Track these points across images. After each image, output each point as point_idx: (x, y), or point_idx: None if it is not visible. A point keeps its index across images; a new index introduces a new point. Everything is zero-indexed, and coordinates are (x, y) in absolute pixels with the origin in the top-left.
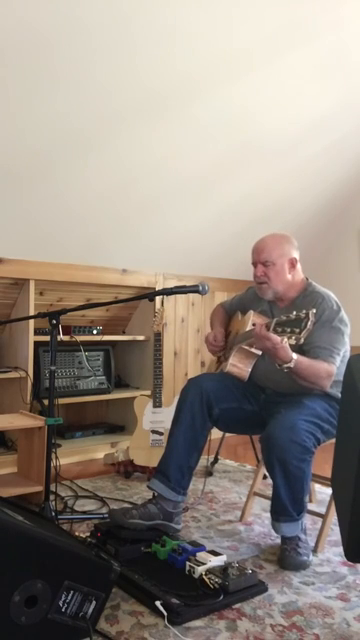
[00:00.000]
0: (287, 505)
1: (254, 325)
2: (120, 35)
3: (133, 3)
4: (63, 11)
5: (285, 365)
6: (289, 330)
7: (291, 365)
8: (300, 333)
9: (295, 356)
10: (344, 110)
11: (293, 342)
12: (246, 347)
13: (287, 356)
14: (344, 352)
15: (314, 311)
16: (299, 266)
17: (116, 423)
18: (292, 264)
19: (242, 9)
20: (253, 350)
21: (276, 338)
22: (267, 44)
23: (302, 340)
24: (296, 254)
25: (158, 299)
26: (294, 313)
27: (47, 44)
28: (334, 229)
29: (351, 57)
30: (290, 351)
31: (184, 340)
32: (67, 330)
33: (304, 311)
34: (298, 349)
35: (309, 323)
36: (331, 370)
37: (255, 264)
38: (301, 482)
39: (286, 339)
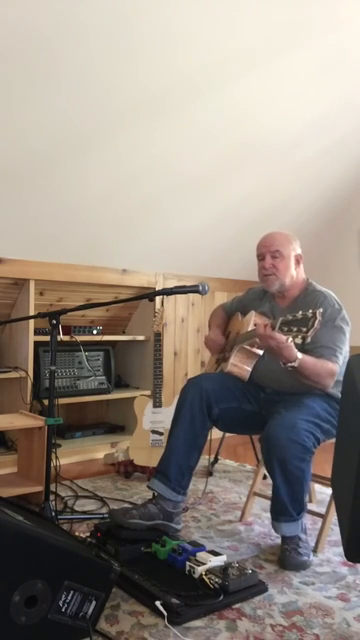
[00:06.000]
0: (287, 505)
1: (256, 325)
2: (120, 35)
3: (133, 3)
4: (63, 11)
5: (289, 364)
6: (295, 329)
7: (295, 364)
8: (307, 332)
9: (300, 355)
10: (344, 110)
11: (299, 341)
12: (247, 347)
13: (292, 355)
14: (345, 351)
15: (321, 310)
16: (302, 265)
17: (116, 423)
18: (297, 261)
19: (242, 9)
20: (254, 350)
21: (281, 337)
22: (267, 44)
23: (309, 339)
24: (300, 252)
25: (158, 299)
26: (300, 312)
27: (47, 44)
28: (334, 229)
29: (351, 57)
30: (295, 350)
31: (184, 340)
32: (67, 330)
33: (311, 311)
34: (301, 348)
35: (316, 322)
36: (334, 369)
37: (263, 256)
38: (301, 482)
39: (291, 338)
